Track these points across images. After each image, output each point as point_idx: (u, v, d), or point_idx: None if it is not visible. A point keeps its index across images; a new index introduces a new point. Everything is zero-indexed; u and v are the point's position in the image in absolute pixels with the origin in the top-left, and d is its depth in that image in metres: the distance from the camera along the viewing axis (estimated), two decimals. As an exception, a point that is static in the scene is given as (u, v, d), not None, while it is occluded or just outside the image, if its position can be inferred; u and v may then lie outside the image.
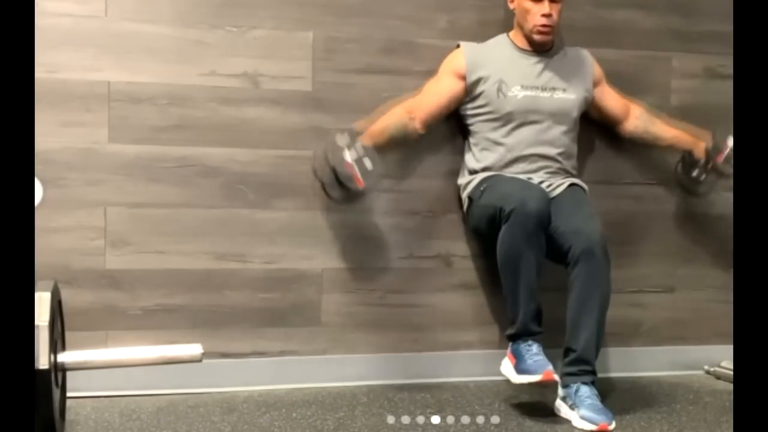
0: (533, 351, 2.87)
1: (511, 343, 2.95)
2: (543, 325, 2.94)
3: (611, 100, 3.30)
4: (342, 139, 2.90)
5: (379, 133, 3.07)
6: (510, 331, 2.94)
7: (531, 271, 2.84)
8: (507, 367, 2.93)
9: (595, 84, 3.24)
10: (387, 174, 3.10)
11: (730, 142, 3.16)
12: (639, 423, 2.81)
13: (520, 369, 2.86)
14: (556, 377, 2.82)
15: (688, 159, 3.32)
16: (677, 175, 3.40)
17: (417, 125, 3.13)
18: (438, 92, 3.14)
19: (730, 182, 3.09)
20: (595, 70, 3.25)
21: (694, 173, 3.31)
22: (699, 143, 3.26)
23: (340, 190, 2.97)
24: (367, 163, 2.89)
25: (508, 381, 2.94)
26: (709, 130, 3.25)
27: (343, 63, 3.17)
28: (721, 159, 3.18)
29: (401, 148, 3.19)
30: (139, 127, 3.01)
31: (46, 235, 2.88)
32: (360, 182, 2.90)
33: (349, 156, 2.87)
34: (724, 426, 2.79)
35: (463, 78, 3.12)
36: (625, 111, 3.32)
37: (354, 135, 2.93)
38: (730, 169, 3.14)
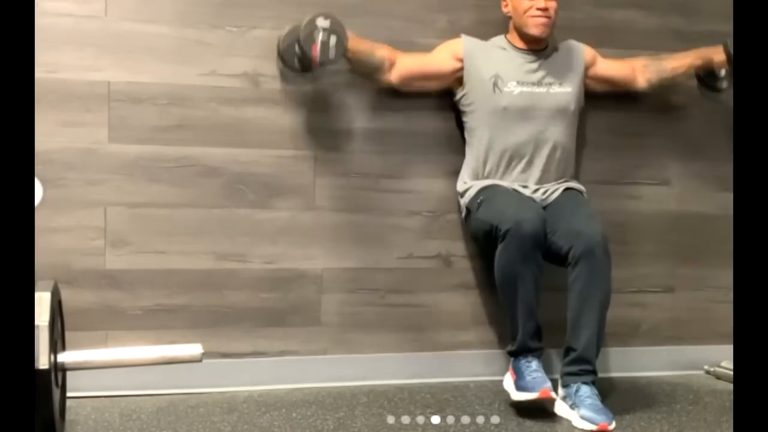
0: (532, 367, 2.89)
1: (512, 359, 2.97)
2: (543, 325, 2.95)
3: (613, 68, 3.30)
4: (323, 21, 2.90)
5: (357, 51, 3.02)
6: (510, 347, 2.97)
7: (529, 290, 2.85)
8: (508, 383, 2.96)
9: (590, 65, 3.24)
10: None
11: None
12: (639, 423, 2.81)
13: (519, 386, 2.88)
14: (553, 395, 2.84)
15: (704, 75, 3.43)
16: (699, 90, 3.48)
17: (392, 76, 3.11)
18: (428, 60, 3.15)
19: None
20: (586, 54, 3.24)
21: (715, 84, 3.44)
22: (712, 57, 3.33)
23: (293, 64, 3.03)
24: (332, 53, 2.92)
25: (508, 381, 2.96)
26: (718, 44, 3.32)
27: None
28: None
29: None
30: (139, 127, 3.01)
31: (46, 235, 2.87)
32: (315, 64, 2.95)
33: (320, 38, 2.89)
34: (724, 426, 2.79)
35: (459, 60, 3.12)
36: (631, 71, 3.32)
37: (336, 23, 2.91)
38: None
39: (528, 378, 2.87)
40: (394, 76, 3.12)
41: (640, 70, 3.32)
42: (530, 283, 2.85)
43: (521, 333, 2.91)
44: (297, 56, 3.03)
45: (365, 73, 3.12)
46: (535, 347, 2.93)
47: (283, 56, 3.06)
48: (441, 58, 3.15)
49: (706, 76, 3.45)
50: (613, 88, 3.33)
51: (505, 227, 2.83)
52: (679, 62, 3.35)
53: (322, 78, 3.12)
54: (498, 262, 2.88)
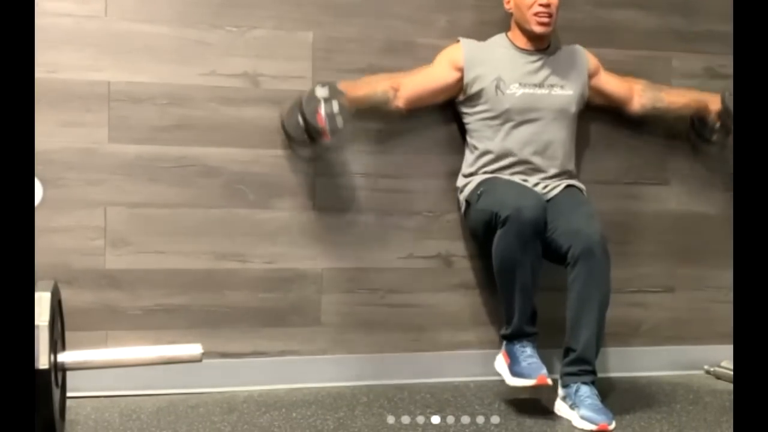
0: (527, 353, 2.89)
1: (505, 342, 2.97)
2: (542, 325, 2.96)
3: (612, 84, 3.30)
4: (321, 91, 2.91)
5: (360, 99, 3.04)
6: (505, 331, 2.96)
7: (527, 276, 2.85)
8: (501, 366, 2.96)
9: (592, 75, 3.25)
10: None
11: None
12: (639, 423, 2.81)
13: (514, 371, 2.88)
14: (550, 381, 2.83)
15: (698, 122, 3.38)
16: (690, 137, 3.44)
17: (399, 102, 3.12)
18: (430, 77, 3.15)
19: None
20: (590, 62, 3.24)
21: (706, 134, 3.38)
22: (708, 105, 3.32)
23: (303, 140, 2.99)
24: (339, 121, 2.90)
25: (507, 381, 2.96)
26: (716, 93, 3.30)
27: (343, 63, 3.17)
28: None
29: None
30: (139, 127, 3.01)
31: (46, 235, 2.87)
32: (327, 137, 2.91)
33: (323, 109, 2.88)
34: (724, 426, 2.79)
35: (460, 70, 3.11)
36: (628, 91, 3.33)
37: (335, 90, 2.93)
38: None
39: (523, 364, 2.86)
40: (401, 102, 3.12)
41: (637, 93, 3.33)
42: (528, 270, 2.84)
43: (517, 317, 2.89)
44: (302, 128, 2.96)
45: (374, 109, 3.12)
46: (531, 332, 2.92)
47: (288, 132, 3.03)
48: (442, 72, 3.14)
49: (699, 123, 3.39)
50: (607, 103, 3.33)
51: (505, 213, 2.82)
52: (676, 98, 3.35)
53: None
54: (496, 247, 2.87)
